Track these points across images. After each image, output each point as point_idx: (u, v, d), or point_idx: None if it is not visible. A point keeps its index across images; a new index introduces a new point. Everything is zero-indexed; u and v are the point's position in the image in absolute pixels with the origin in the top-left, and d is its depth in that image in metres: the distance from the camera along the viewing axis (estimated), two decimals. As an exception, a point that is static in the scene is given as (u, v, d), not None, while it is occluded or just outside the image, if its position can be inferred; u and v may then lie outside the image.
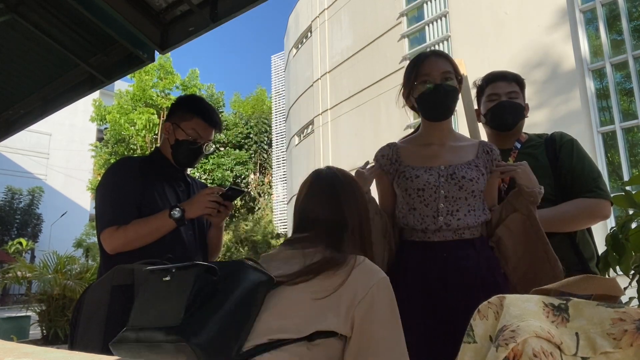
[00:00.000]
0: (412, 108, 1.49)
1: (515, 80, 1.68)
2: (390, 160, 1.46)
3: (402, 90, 1.50)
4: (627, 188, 1.21)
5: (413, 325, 1.24)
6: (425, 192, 1.34)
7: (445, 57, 1.44)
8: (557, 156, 1.59)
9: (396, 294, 1.32)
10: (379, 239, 1.37)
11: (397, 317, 0.94)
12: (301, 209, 1.11)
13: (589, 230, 1.62)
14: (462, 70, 1.81)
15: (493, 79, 1.71)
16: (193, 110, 1.65)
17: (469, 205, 1.33)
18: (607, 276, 1.28)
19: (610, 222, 7.64)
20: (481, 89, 1.75)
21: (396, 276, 1.31)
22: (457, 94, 1.42)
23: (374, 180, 1.50)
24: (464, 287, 1.26)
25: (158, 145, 1.80)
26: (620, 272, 1.21)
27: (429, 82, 1.38)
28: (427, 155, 1.42)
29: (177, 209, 1.47)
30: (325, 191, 1.11)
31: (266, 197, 22.82)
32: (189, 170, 1.80)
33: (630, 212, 1.19)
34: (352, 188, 1.14)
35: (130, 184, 1.55)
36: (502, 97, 1.65)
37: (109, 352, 0.81)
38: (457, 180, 1.33)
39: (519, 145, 1.67)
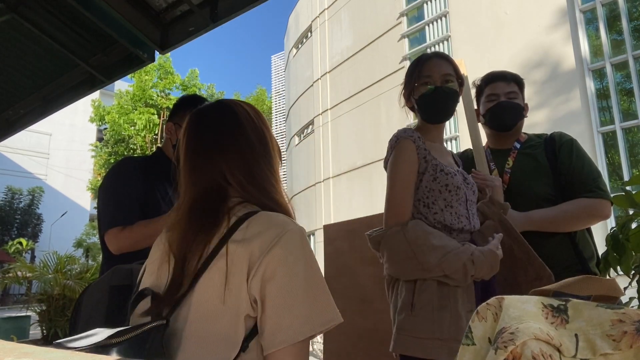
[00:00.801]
0: (412, 109, 1.49)
1: (514, 81, 1.68)
2: (423, 145, 1.35)
3: (403, 91, 1.50)
4: (627, 188, 1.21)
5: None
6: (460, 190, 1.32)
7: (447, 59, 1.43)
8: (557, 156, 1.59)
9: None
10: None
11: (310, 279, 0.76)
12: (181, 170, 0.90)
13: (589, 231, 1.62)
14: (463, 70, 1.81)
15: (492, 79, 1.71)
16: None
17: (476, 210, 1.39)
18: (607, 276, 1.28)
19: (611, 222, 7.63)
20: (480, 89, 1.75)
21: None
22: (457, 96, 1.42)
23: (403, 157, 1.32)
24: (484, 291, 1.26)
25: (159, 145, 1.80)
26: (621, 272, 1.21)
27: (430, 84, 1.39)
28: (442, 155, 1.42)
29: None
30: (199, 141, 0.88)
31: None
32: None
33: (631, 212, 1.19)
34: (236, 123, 0.89)
35: (132, 183, 1.54)
36: (501, 98, 1.65)
37: (108, 352, 0.79)
38: (471, 185, 1.38)
39: (518, 145, 1.67)
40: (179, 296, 0.77)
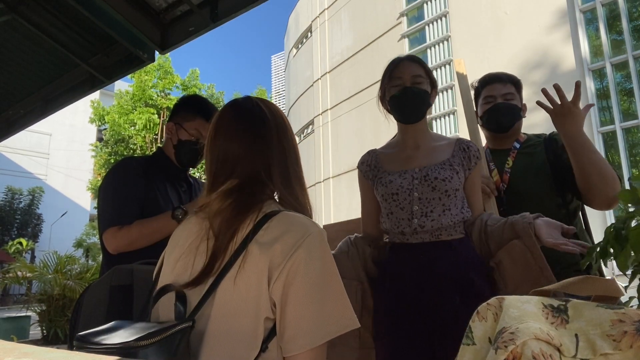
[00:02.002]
0: (388, 111, 1.52)
1: (510, 82, 1.69)
2: (369, 166, 1.51)
3: (379, 93, 1.53)
4: (633, 184, 1.20)
5: (393, 323, 1.30)
6: (399, 195, 1.38)
7: (418, 62, 1.47)
8: (559, 155, 1.58)
9: (378, 293, 1.37)
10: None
11: (330, 284, 0.77)
12: (219, 157, 0.89)
13: (588, 231, 1.62)
14: (462, 69, 1.81)
15: (488, 81, 1.71)
16: (196, 110, 1.65)
17: (444, 205, 1.34)
18: (603, 266, 1.27)
19: (611, 221, 7.61)
20: (477, 91, 1.76)
21: (379, 276, 1.39)
22: (427, 97, 1.44)
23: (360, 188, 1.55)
24: (438, 289, 1.28)
25: (159, 145, 1.80)
26: (619, 272, 1.21)
27: (400, 85, 1.43)
28: (403, 159, 1.46)
29: (180, 210, 1.48)
30: (245, 129, 0.89)
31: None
32: (191, 170, 1.80)
33: (631, 209, 1.18)
34: (277, 121, 0.93)
35: (132, 183, 1.55)
36: (498, 99, 1.65)
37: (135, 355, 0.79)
38: (430, 182, 1.35)
39: (518, 145, 1.67)
40: (206, 289, 0.77)
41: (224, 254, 0.79)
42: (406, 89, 1.41)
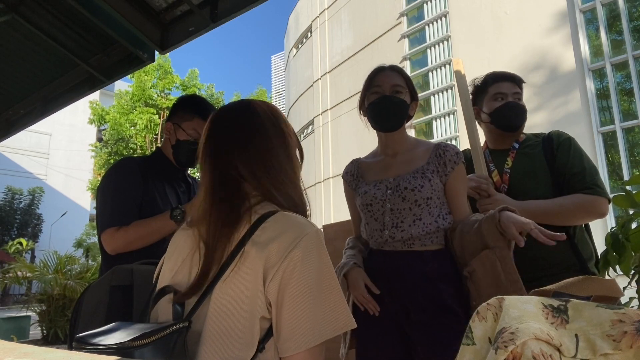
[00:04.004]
0: (367, 117, 1.51)
1: (519, 82, 1.69)
2: (353, 176, 1.54)
3: (359, 101, 1.54)
4: (627, 188, 1.21)
5: (367, 324, 1.32)
6: (373, 206, 1.40)
7: (398, 72, 1.47)
8: (555, 155, 1.59)
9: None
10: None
11: (326, 284, 0.77)
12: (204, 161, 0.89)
13: (588, 231, 1.62)
14: (461, 69, 1.81)
15: (498, 79, 1.69)
16: (194, 110, 1.65)
17: (414, 215, 1.34)
18: (606, 276, 1.28)
19: (611, 222, 7.63)
20: (484, 87, 1.73)
21: None
22: (405, 107, 1.43)
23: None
24: (406, 297, 1.30)
25: (159, 145, 1.80)
26: (620, 272, 1.21)
27: (378, 93, 1.43)
28: (381, 168, 1.47)
29: (179, 210, 1.48)
30: (216, 143, 0.89)
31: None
32: (189, 171, 1.80)
33: (631, 212, 1.18)
34: (266, 116, 0.91)
35: (131, 184, 1.55)
36: (509, 98, 1.65)
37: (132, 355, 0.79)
38: (400, 192, 1.35)
39: (517, 145, 1.67)
40: (203, 290, 0.77)
41: (220, 257, 0.79)
42: (384, 97, 1.41)
